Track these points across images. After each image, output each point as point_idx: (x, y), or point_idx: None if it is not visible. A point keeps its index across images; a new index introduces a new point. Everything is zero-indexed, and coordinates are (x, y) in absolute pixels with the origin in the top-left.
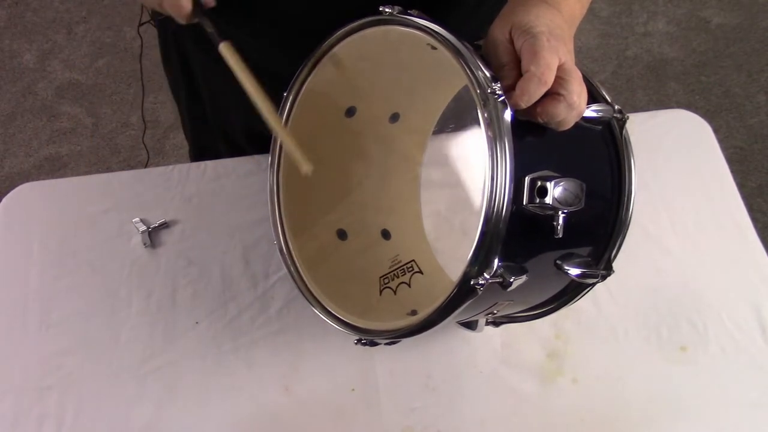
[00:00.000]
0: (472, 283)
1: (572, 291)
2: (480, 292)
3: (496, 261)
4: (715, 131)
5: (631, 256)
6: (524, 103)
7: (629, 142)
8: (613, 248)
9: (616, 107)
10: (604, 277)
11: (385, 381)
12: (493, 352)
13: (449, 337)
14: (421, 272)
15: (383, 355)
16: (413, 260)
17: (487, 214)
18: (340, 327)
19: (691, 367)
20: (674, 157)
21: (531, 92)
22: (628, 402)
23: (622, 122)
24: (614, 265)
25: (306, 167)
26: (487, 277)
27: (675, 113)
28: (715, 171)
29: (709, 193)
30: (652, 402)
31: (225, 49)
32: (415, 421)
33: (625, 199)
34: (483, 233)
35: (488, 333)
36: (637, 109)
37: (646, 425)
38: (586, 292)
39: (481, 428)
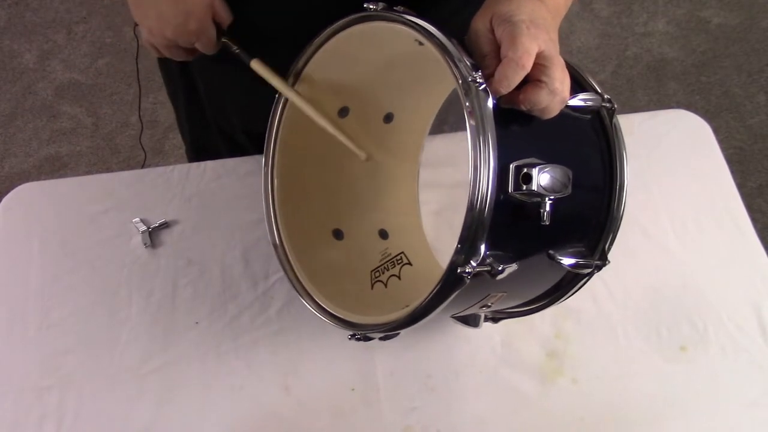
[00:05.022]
0: (459, 271)
1: (568, 284)
2: (468, 281)
3: (482, 248)
4: (715, 131)
5: (630, 255)
6: (504, 89)
7: (620, 130)
8: (608, 238)
9: (605, 96)
10: (599, 268)
11: (385, 380)
12: (492, 351)
13: (449, 337)
14: (410, 263)
15: (383, 354)
16: (402, 252)
17: (471, 201)
18: (333, 322)
19: (691, 366)
20: (674, 157)
21: (509, 77)
22: (627, 402)
23: (612, 111)
24: (614, 265)
25: (361, 154)
26: (474, 265)
27: (675, 113)
28: (715, 171)
29: (709, 193)
30: (652, 402)
31: (256, 65)
32: (415, 420)
33: (617, 186)
34: (468, 220)
35: (488, 333)
36: (637, 109)
37: (645, 425)
38: (583, 285)
39: (481, 428)
